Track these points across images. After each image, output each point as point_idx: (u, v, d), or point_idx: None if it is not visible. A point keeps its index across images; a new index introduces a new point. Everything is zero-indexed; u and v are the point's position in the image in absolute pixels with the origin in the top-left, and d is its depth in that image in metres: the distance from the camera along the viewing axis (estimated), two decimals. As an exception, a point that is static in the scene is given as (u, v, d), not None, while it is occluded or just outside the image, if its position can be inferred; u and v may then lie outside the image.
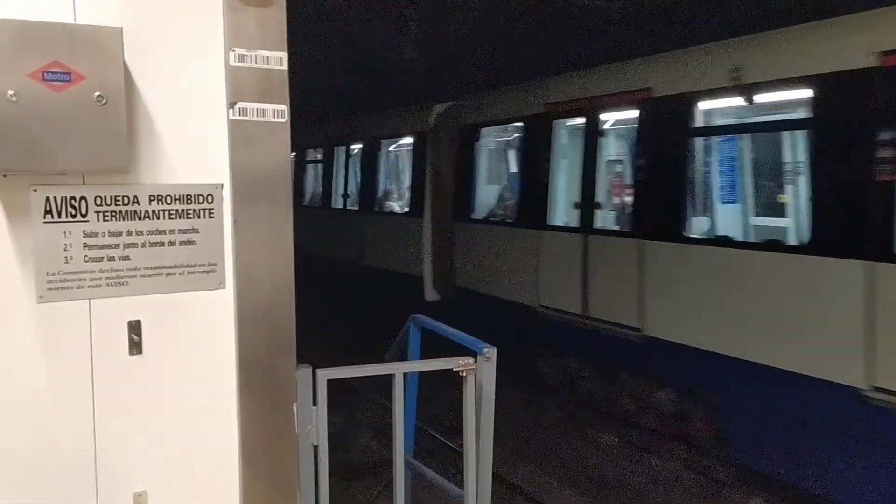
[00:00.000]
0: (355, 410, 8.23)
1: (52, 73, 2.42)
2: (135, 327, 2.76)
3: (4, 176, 2.52)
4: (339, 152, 14.19)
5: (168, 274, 2.81)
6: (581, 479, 7.07)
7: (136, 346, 2.76)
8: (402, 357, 3.97)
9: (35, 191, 2.57)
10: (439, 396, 5.47)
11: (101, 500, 2.72)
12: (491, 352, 3.21)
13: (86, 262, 2.67)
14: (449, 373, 3.25)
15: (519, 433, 7.72)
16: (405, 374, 3.28)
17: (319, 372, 2.99)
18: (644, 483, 6.98)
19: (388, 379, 3.12)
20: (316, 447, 3.03)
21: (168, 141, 2.76)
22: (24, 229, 2.57)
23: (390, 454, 3.26)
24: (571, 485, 6.93)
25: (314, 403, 3.01)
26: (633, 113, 7.32)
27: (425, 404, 4.49)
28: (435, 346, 3.96)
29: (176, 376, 2.83)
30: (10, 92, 2.37)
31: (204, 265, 2.86)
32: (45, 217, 2.60)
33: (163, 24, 2.72)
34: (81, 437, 2.69)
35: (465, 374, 3.15)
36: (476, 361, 3.20)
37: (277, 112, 2.91)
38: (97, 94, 2.47)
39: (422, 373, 3.95)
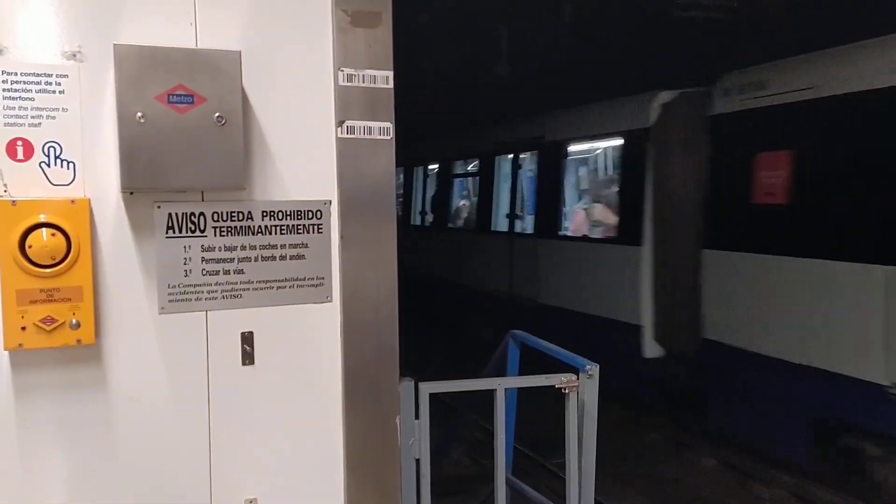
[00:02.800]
0: (449, 426, 8.28)
1: (177, 95, 2.55)
2: (248, 338, 2.86)
3: (132, 194, 2.66)
4: (502, 163, 11.75)
5: (279, 287, 2.90)
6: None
7: (248, 357, 2.86)
8: (499, 373, 3.98)
9: (158, 207, 2.71)
10: (529, 414, 5.44)
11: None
12: (593, 369, 3.18)
13: (203, 275, 2.79)
14: (542, 390, 3.24)
15: (617, 453, 7.58)
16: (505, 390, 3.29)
17: (422, 385, 3.03)
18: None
19: (482, 395, 3.13)
20: (418, 460, 3.06)
21: (280, 159, 2.86)
22: (148, 244, 2.71)
23: (482, 470, 3.28)
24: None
25: (417, 417, 3.05)
26: None
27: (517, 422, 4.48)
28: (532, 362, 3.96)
29: (285, 387, 2.92)
30: (139, 114, 2.51)
31: (312, 279, 2.95)
32: (167, 232, 2.73)
33: (276, 47, 2.83)
34: (198, 442, 2.80)
35: (567, 391, 3.13)
36: (578, 378, 3.18)
37: (383, 129, 2.98)
38: (217, 115, 2.59)
39: (520, 389, 3.94)
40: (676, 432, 8.03)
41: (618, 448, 7.54)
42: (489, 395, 4.05)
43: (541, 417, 6.30)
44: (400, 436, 3.04)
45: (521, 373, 3.89)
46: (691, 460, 7.74)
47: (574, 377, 3.12)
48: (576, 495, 3.18)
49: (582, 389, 3.12)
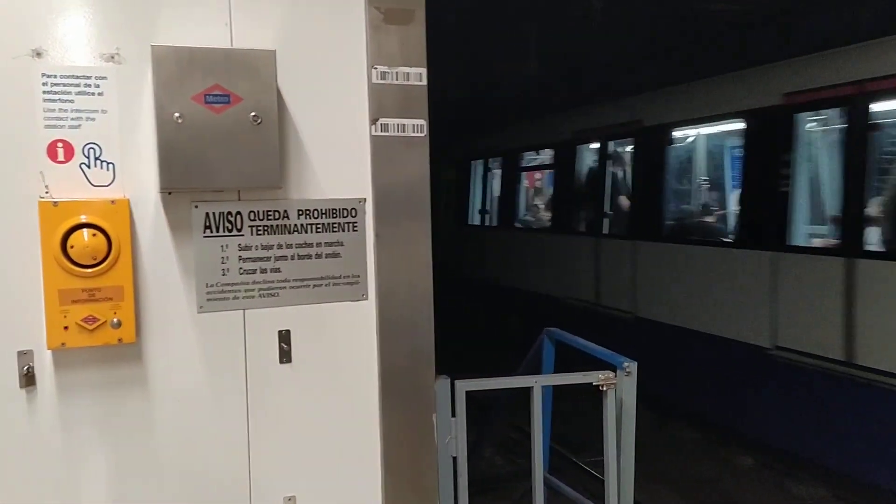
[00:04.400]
0: (482, 425, 8.26)
1: (214, 95, 2.56)
2: (285, 337, 2.87)
3: (170, 194, 2.68)
4: (584, 153, 9.96)
5: (315, 285, 2.91)
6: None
7: (285, 355, 2.87)
8: (535, 371, 3.96)
9: (196, 207, 2.73)
10: (562, 412, 5.40)
11: (255, 502, 2.83)
12: (632, 366, 3.14)
13: (241, 274, 2.80)
14: (575, 388, 3.20)
15: (648, 452, 7.51)
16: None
17: (458, 383, 3.02)
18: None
19: (515, 394, 3.11)
20: (455, 458, 3.05)
21: (315, 157, 2.87)
22: (187, 244, 2.73)
23: (515, 469, 3.26)
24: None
25: (453, 415, 3.03)
26: None
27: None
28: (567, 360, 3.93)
29: (322, 385, 2.92)
30: (177, 114, 2.53)
31: (348, 277, 2.95)
32: (204, 232, 2.75)
33: (310, 46, 2.84)
34: (237, 440, 2.81)
35: (605, 388, 3.10)
36: (616, 376, 3.14)
37: (417, 127, 2.97)
38: (253, 114, 2.60)
39: (554, 387, 3.91)
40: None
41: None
42: (522, 393, 4.01)
43: (573, 415, 6.26)
44: (437, 434, 3.03)
45: (557, 371, 3.86)
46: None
47: (612, 374, 3.09)
48: (615, 494, 3.15)
49: (620, 387, 3.09)
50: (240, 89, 2.59)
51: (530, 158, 11.94)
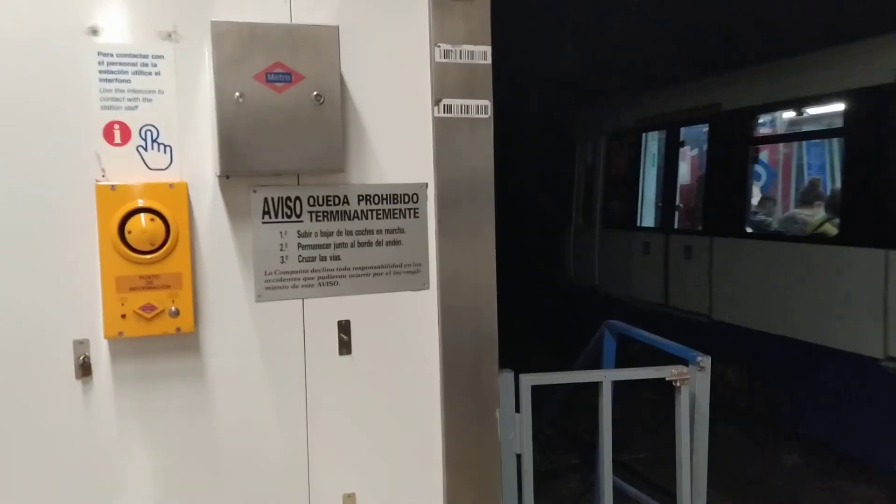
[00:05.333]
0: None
1: (275, 73, 2.45)
2: (344, 327, 2.76)
3: (228, 178, 2.58)
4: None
5: (375, 274, 2.79)
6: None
7: (345, 346, 2.76)
8: (593, 366, 3.81)
9: (255, 192, 2.62)
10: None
11: (314, 499, 2.73)
12: (705, 361, 2.98)
13: (300, 262, 2.69)
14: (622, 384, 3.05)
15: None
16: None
17: (523, 377, 2.89)
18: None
19: (555, 389, 2.96)
20: (519, 456, 2.92)
21: (375, 140, 2.75)
22: (245, 230, 2.62)
23: (552, 467, 3.10)
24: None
25: (517, 410, 2.90)
26: None
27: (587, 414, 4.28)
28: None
29: (383, 378, 2.81)
30: (238, 94, 2.41)
31: (409, 265, 2.83)
32: (263, 218, 2.64)
33: (371, 23, 2.71)
34: (296, 434, 2.71)
35: (678, 384, 2.94)
36: (688, 371, 2.99)
37: (481, 108, 2.83)
38: (315, 93, 2.48)
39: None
40: None
41: None
42: (563, 389, 3.86)
43: (615, 414, 6.09)
44: (500, 430, 2.90)
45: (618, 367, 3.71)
46: None
47: (685, 369, 2.94)
48: (688, 496, 2.99)
49: (693, 383, 2.93)
50: (302, 67, 2.47)
51: (784, 120, 7.87)
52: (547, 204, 11.91)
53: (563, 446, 7.59)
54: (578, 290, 10.11)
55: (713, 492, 6.72)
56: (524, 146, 12.67)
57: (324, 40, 2.49)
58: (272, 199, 2.65)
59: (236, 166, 2.48)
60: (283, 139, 2.49)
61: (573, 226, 10.31)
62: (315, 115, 2.50)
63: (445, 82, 2.79)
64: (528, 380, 2.83)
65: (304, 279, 2.71)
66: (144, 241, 2.41)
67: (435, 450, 2.89)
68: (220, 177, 2.57)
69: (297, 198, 2.68)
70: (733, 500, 6.56)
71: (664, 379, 2.92)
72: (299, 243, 2.70)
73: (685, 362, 3.02)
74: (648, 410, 7.26)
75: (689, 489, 2.99)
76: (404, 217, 2.82)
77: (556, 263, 10.77)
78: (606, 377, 2.93)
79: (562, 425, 7.46)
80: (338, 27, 2.52)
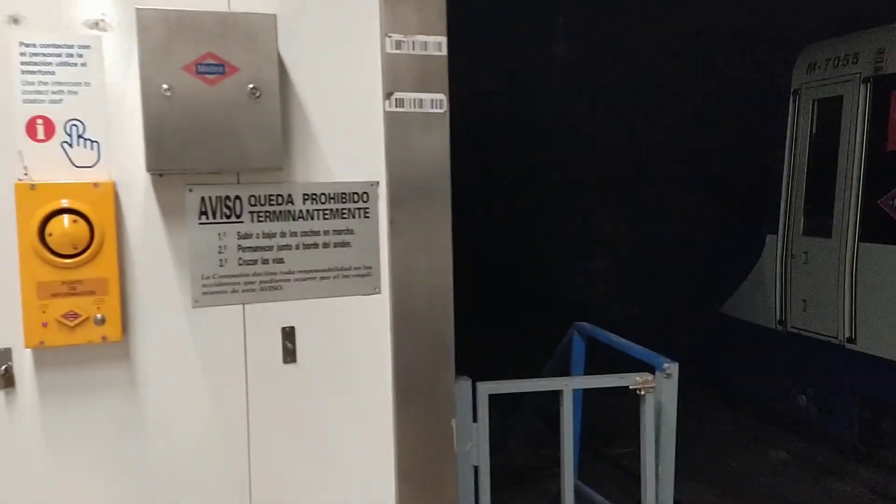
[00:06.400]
0: (510, 417, 8.03)
1: (206, 65, 2.29)
2: (289, 334, 2.61)
3: (161, 176, 2.42)
4: None
5: (322, 278, 2.64)
6: (756, 499, 6.49)
7: (290, 354, 2.61)
8: (563, 369, 3.67)
9: (191, 191, 2.47)
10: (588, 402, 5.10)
11: (255, 516, 2.58)
12: (672, 367, 2.84)
13: (240, 265, 2.54)
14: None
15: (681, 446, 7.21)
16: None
17: (480, 386, 2.74)
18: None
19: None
20: (477, 468, 2.78)
21: (322, 136, 2.59)
22: (180, 231, 2.46)
23: (541, 461, 2.98)
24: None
25: (474, 420, 2.76)
26: None
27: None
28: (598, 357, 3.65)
29: (330, 387, 2.66)
30: (165, 86, 2.25)
31: (359, 268, 2.67)
32: (200, 218, 2.48)
33: (316, 11, 2.55)
34: (236, 449, 2.56)
35: (642, 392, 2.80)
36: (654, 378, 2.85)
37: (436, 102, 2.68)
38: (251, 86, 2.33)
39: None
40: None
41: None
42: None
43: (602, 405, 5.98)
44: (456, 440, 2.75)
45: (588, 370, 3.57)
46: None
47: (651, 377, 2.80)
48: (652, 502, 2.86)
49: (659, 390, 2.79)
50: (237, 58, 2.31)
51: None
52: (714, 202, 8.50)
53: (552, 440, 7.41)
54: (804, 344, 6.36)
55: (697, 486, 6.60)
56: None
57: (260, 29, 2.33)
58: (210, 198, 2.49)
59: (167, 163, 2.33)
60: (218, 135, 2.33)
61: (784, 235, 6.48)
62: (252, 110, 2.35)
63: (397, 75, 2.63)
64: (486, 388, 2.69)
65: (245, 283, 2.55)
66: (66, 243, 2.25)
67: (387, 463, 2.74)
68: (152, 175, 2.41)
69: (237, 197, 2.53)
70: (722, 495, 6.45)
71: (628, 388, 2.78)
72: (239, 245, 2.54)
73: (652, 369, 2.88)
74: (637, 402, 7.14)
75: (654, 499, 2.86)
76: (353, 217, 2.66)
77: (747, 294, 6.99)
78: (567, 385, 2.79)
79: (550, 418, 7.35)
80: (275, 15, 2.36)
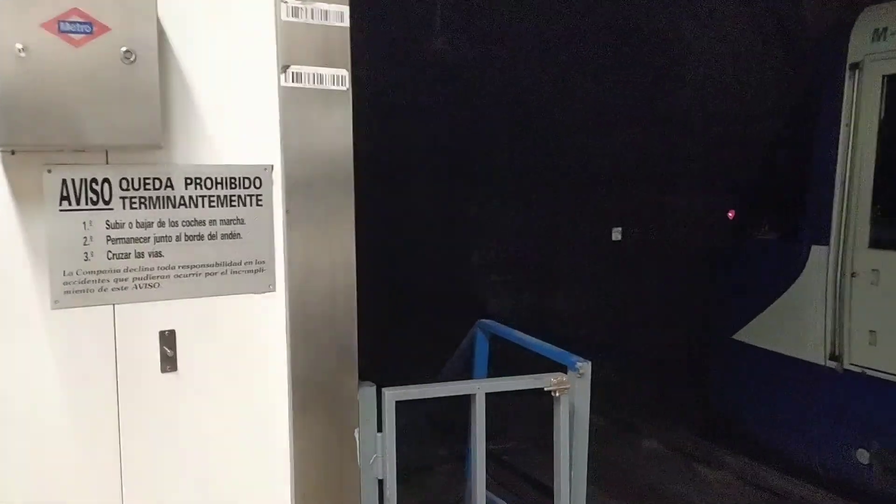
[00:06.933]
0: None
1: (71, 22, 1.93)
2: (168, 339, 2.27)
3: (13, 153, 2.04)
4: None
5: (208, 274, 2.32)
6: (629, 489, 6.61)
7: (169, 362, 2.28)
8: (463, 370, 3.49)
9: (49, 172, 2.09)
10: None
11: (129, 549, 2.24)
12: (585, 366, 2.71)
13: (109, 259, 2.18)
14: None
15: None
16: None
17: (386, 392, 2.51)
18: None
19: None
20: (382, 481, 2.55)
21: (208, 111, 2.28)
22: (37, 219, 2.09)
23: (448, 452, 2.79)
24: (618, 495, 6.47)
25: (380, 429, 2.53)
26: None
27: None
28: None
29: (217, 398, 2.35)
30: (19, 46, 1.89)
31: (250, 263, 2.38)
32: (60, 204, 2.11)
33: (203, -30, 2.23)
34: (105, 469, 2.21)
35: (557, 393, 2.65)
36: (568, 378, 2.71)
37: (338, 78, 2.42)
38: (125, 49, 1.99)
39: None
40: None
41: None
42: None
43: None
44: (359, 452, 2.51)
45: (489, 370, 3.41)
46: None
47: (564, 377, 2.66)
48: (564, 510, 2.73)
49: (572, 391, 2.66)
50: (107, 16, 1.97)
51: None
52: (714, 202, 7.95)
53: (434, 437, 7.29)
54: (869, 386, 5.00)
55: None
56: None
57: (136, -17, 1.99)
58: (73, 181, 2.12)
59: (22, 138, 1.96)
60: (84, 106, 1.98)
61: (839, 247, 5.10)
62: (125, 77, 2.01)
63: (294, 46, 2.36)
64: (393, 395, 2.46)
65: (116, 281, 2.20)
66: None
67: (283, 479, 2.46)
68: (3, 152, 2.02)
69: (106, 180, 2.17)
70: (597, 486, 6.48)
71: (542, 389, 2.63)
72: (109, 236, 2.18)
73: (564, 368, 2.75)
74: (519, 397, 7.12)
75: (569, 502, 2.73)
76: (244, 205, 2.36)
77: (779, 319, 5.58)
78: (480, 389, 2.61)
79: (437, 416, 7.18)
80: (154, -33, 2.03)
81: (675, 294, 10.00)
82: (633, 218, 10.59)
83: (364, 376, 2.57)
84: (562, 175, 11.31)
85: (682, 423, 8.37)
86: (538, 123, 11.27)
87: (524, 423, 7.19)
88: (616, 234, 10.66)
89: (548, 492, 5.96)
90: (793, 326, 5.42)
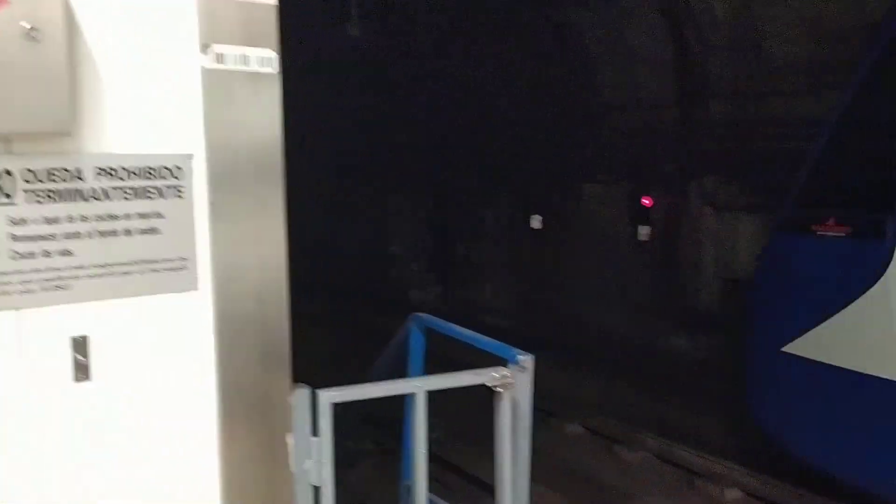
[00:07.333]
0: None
1: (-40, -9, 1.71)
2: (80, 345, 2.07)
3: None
4: None
5: (123, 273, 2.13)
6: (550, 472, 6.70)
7: (82, 370, 2.08)
8: (396, 367, 3.37)
9: (-63, 161, 1.86)
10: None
11: (40, 579, 2.03)
12: (527, 360, 2.64)
13: (12, 259, 1.97)
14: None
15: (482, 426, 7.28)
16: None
17: (322, 394, 2.37)
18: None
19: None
20: (318, 489, 2.41)
21: (122, 95, 2.08)
22: (-77, 215, 1.85)
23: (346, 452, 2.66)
24: (543, 480, 6.54)
25: (315, 433, 2.39)
26: None
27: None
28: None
29: (137, 408, 2.16)
30: None
31: (171, 260, 2.19)
32: (-48, 198, 1.88)
33: (113, -62, 2.02)
34: (15, 489, 1.99)
35: (501, 389, 2.57)
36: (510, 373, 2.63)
37: (265, 60, 2.25)
38: (27, 25, 1.77)
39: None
40: None
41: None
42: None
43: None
44: (293, 459, 2.36)
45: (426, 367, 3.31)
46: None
47: (507, 372, 2.58)
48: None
49: (514, 386, 2.59)
50: (4, -15, 1.75)
51: None
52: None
53: (358, 429, 7.17)
54: None
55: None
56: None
57: (37, -51, 1.78)
58: (-34, 172, 1.89)
59: None
60: (-21, 87, 1.75)
61: None
62: (29, 57, 1.80)
63: (216, 23, 2.18)
64: (329, 397, 2.32)
65: (21, 283, 1.98)
66: None
67: (211, 490, 2.29)
68: None
69: (7, 171, 1.95)
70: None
71: (484, 385, 2.55)
72: (12, 234, 1.97)
73: (504, 362, 2.67)
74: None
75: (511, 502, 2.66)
76: (163, 197, 2.17)
77: (855, 331, 4.63)
78: (421, 388, 2.50)
79: (355, 407, 7.08)
80: (58, -67, 1.82)
81: (597, 281, 10.19)
82: (553, 206, 10.70)
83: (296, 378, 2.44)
84: (483, 163, 11.33)
85: (606, 409, 8.51)
86: (458, 113, 11.24)
87: (450, 414, 7.14)
88: (535, 222, 10.74)
89: (478, 483, 5.93)
90: (870, 338, 4.46)
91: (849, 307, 4.52)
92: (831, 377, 4.66)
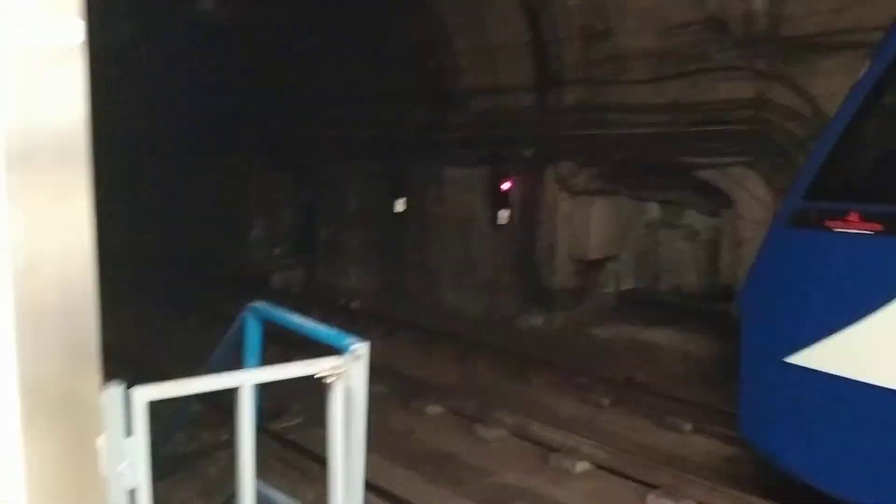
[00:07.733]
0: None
1: None
2: None
3: None
4: None
5: None
6: (410, 454, 6.78)
7: None
8: (232, 358, 3.24)
9: None
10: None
11: None
12: (361, 348, 2.59)
13: None
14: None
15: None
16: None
17: (136, 392, 2.23)
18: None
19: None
20: (133, 492, 2.27)
21: None
22: None
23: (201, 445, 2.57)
24: (403, 462, 6.61)
25: (128, 434, 2.24)
26: None
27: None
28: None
29: (-83, 414, 1.94)
30: None
31: (-42, 250, 1.98)
32: None
33: None
34: None
35: (332, 379, 2.51)
36: (343, 362, 2.58)
37: (66, 29, 2.06)
38: None
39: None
40: None
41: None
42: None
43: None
44: (105, 462, 2.21)
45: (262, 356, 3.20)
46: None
47: (339, 361, 2.52)
48: (341, 499, 2.61)
49: (348, 375, 2.53)
50: None
51: None
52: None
53: (213, 421, 6.97)
54: None
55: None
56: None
57: None
58: None
59: None
60: None
61: None
62: None
63: (7, -13, 1.96)
64: (144, 394, 2.18)
65: None
66: None
67: (16, 497, 2.10)
68: None
69: None
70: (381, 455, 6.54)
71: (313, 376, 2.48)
72: None
73: (339, 351, 2.61)
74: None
75: (344, 495, 2.61)
76: (-54, 180, 1.95)
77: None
78: (246, 381, 2.39)
79: (208, 398, 6.90)
80: None
81: (457, 263, 10.33)
82: (416, 189, 10.75)
83: (122, 375, 2.28)
84: (328, 143, 11.17)
85: (466, 388, 8.68)
86: (323, 92, 11.02)
87: (305, 398, 7.05)
88: (399, 206, 10.75)
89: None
90: None
91: (878, 312, 3.90)
92: (853, 393, 4.00)
